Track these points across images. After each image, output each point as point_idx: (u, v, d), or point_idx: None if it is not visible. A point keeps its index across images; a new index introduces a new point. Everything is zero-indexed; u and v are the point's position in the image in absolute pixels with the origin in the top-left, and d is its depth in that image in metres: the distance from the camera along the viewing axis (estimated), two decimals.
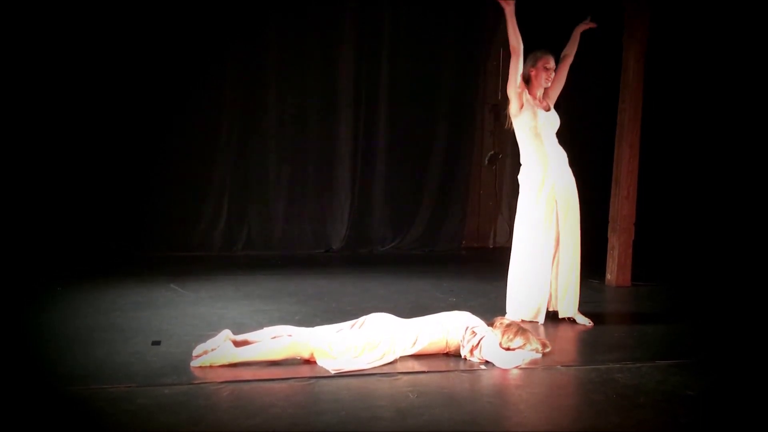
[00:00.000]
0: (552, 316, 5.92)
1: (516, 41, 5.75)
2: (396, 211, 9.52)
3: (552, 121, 5.96)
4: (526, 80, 5.93)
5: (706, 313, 6.56)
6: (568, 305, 5.91)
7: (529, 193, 5.92)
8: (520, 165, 6.04)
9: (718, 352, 5.29)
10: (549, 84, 5.98)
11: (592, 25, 6.19)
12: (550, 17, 8.21)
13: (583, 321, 5.87)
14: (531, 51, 5.88)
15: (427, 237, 9.60)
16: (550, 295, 5.91)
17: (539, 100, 5.97)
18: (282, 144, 9.04)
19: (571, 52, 6.11)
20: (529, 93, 5.93)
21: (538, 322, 5.81)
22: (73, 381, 4.16)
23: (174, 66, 8.44)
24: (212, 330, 4.98)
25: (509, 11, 5.76)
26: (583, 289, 6.03)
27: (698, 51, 8.96)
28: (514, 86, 5.83)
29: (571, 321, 5.90)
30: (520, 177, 6.03)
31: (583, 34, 6.23)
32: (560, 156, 5.96)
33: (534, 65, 5.92)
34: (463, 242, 9.88)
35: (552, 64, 5.94)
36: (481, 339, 4.71)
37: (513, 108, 5.90)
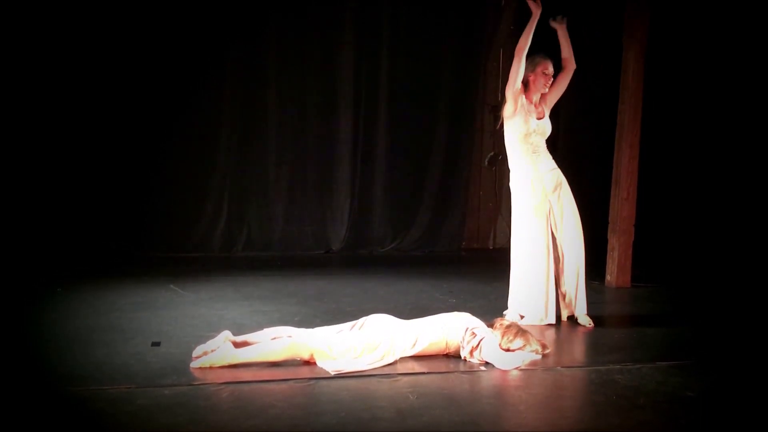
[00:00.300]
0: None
1: (525, 44, 5.72)
2: (396, 212, 9.51)
3: (543, 129, 5.93)
4: (524, 84, 5.92)
5: (706, 314, 6.55)
6: (580, 304, 5.91)
7: (521, 196, 5.91)
8: (509, 171, 6.03)
9: (718, 353, 5.29)
10: (547, 90, 5.94)
11: (560, 20, 6.02)
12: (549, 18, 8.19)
13: (585, 321, 5.87)
14: (529, 55, 5.86)
15: (426, 238, 9.60)
16: (562, 295, 5.92)
17: (535, 105, 5.94)
18: (282, 145, 9.04)
19: (569, 55, 6.04)
20: (526, 97, 5.91)
21: (545, 324, 5.80)
22: (72, 381, 4.16)
23: (174, 66, 8.45)
24: (212, 331, 4.98)
25: (536, 15, 5.72)
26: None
27: (698, 51, 8.96)
28: (513, 88, 5.82)
29: (574, 319, 5.90)
30: (511, 184, 6.01)
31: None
32: (548, 160, 5.94)
33: (533, 70, 5.88)
34: (463, 243, 9.89)
35: (551, 69, 5.91)
36: (481, 340, 4.70)
37: (507, 110, 5.89)
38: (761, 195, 8.57)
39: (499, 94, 9.71)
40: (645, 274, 7.68)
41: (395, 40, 9.33)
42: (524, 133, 5.86)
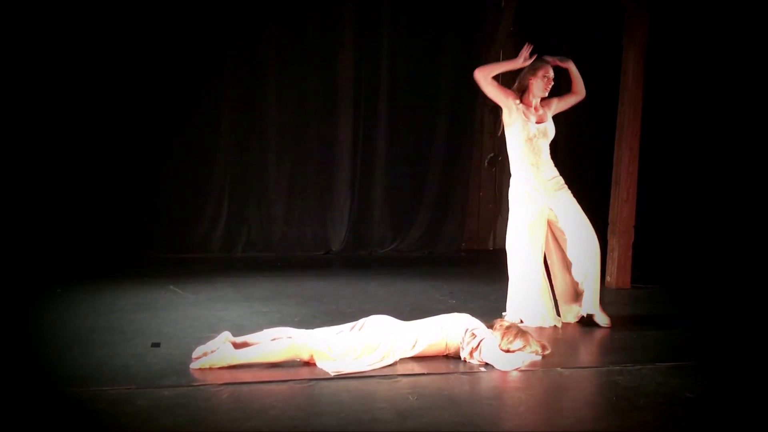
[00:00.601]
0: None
1: (492, 71, 5.82)
2: (396, 212, 9.52)
3: (545, 131, 5.88)
4: (523, 89, 5.89)
5: (706, 315, 6.56)
6: (587, 302, 5.87)
7: (518, 203, 5.87)
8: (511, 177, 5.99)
9: (717, 354, 5.29)
10: (546, 94, 5.87)
11: (564, 59, 6.00)
12: (549, 20, 8.19)
13: (603, 320, 5.86)
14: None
15: (426, 239, 9.60)
16: (577, 293, 5.91)
17: (535, 109, 5.89)
18: (281, 145, 9.05)
19: (580, 85, 6.06)
20: (524, 101, 5.88)
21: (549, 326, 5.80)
22: (72, 382, 4.16)
23: (174, 66, 8.46)
24: (212, 332, 4.98)
25: (517, 65, 5.78)
26: None
27: (699, 52, 8.96)
28: (503, 98, 5.82)
29: (584, 320, 5.90)
30: (510, 189, 5.95)
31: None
32: (549, 168, 5.90)
33: (534, 74, 5.84)
34: (463, 244, 9.89)
35: (551, 73, 5.85)
36: (481, 341, 4.70)
37: (506, 116, 5.87)
38: (761, 196, 8.57)
39: None
40: (645, 275, 7.68)
41: (395, 40, 9.34)
42: (525, 137, 5.82)
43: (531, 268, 5.84)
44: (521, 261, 5.87)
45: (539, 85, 5.86)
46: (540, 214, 5.83)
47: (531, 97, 5.89)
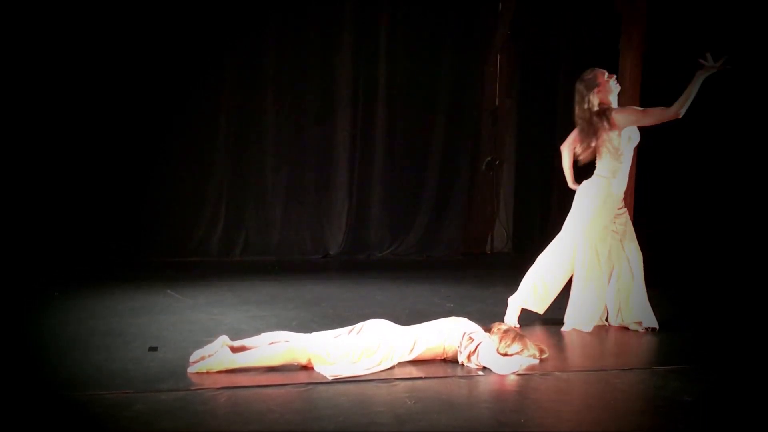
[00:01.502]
0: (552, 323, 5.91)
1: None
2: (394, 216, 9.51)
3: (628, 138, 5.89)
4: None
5: (706, 319, 6.55)
6: (642, 314, 5.84)
7: (606, 207, 5.89)
8: (595, 174, 5.97)
9: (717, 357, 5.29)
10: (619, 87, 5.82)
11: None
12: (549, 21, 8.17)
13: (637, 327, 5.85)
14: (579, 76, 5.83)
15: (424, 242, 9.59)
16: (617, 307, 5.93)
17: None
18: (279, 148, 9.05)
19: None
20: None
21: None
22: (70, 386, 4.16)
23: (173, 68, 8.45)
24: (210, 336, 4.98)
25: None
26: None
27: (697, 55, 8.95)
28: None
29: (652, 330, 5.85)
30: (600, 192, 5.91)
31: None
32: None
33: (596, 81, 5.75)
34: (461, 248, 9.87)
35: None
36: (479, 345, 4.70)
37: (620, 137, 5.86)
38: (760, 199, 8.57)
39: (497, 98, 9.74)
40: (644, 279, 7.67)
41: (393, 43, 9.33)
42: (632, 145, 5.86)
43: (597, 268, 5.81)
44: (586, 261, 5.81)
45: (607, 85, 5.77)
46: (608, 226, 5.85)
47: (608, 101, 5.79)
